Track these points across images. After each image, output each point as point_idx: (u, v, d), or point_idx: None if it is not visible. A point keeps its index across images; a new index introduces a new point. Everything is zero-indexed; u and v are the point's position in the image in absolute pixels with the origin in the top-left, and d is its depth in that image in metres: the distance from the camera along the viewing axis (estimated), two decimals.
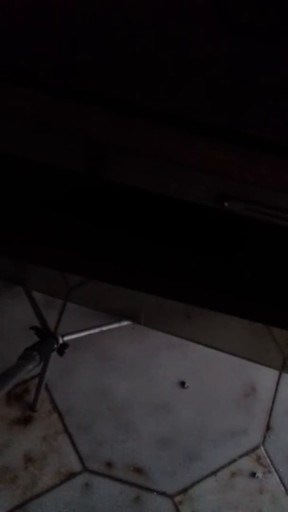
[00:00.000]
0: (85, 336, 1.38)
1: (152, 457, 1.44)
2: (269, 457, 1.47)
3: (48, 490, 1.39)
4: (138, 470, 1.43)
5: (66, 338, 1.26)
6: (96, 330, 1.42)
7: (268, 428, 1.49)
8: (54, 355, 1.26)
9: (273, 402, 1.51)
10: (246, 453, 1.47)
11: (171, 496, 1.42)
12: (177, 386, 1.49)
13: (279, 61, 0.51)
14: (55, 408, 1.44)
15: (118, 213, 0.74)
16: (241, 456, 1.47)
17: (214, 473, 1.45)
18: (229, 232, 0.73)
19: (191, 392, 1.49)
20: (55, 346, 1.22)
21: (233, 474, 1.45)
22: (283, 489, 1.46)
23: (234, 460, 1.46)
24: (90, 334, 1.40)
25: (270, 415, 1.50)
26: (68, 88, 0.52)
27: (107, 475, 1.42)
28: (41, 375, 1.39)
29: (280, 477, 1.47)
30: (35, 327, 1.25)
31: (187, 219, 0.73)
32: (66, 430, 1.43)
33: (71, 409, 1.44)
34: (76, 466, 1.41)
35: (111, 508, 1.39)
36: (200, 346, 1.49)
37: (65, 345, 1.23)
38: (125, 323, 1.48)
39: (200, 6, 0.51)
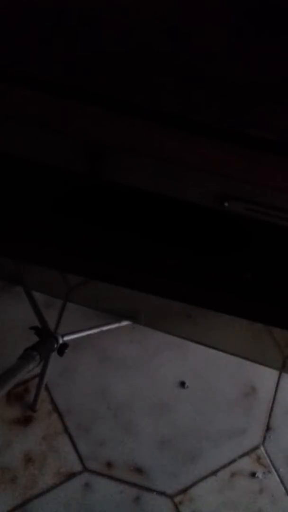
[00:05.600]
0: (85, 336, 1.38)
1: (152, 457, 1.44)
2: (269, 457, 1.47)
3: (48, 490, 1.39)
4: (138, 470, 1.43)
5: (66, 338, 1.26)
6: (96, 330, 1.41)
7: (268, 428, 1.49)
8: (54, 355, 1.26)
9: (273, 402, 1.51)
10: (246, 453, 1.47)
11: (171, 496, 1.42)
12: (177, 386, 1.49)
13: (280, 60, 0.51)
14: (55, 408, 1.44)
15: (118, 213, 0.74)
16: (241, 456, 1.47)
17: (214, 473, 1.45)
18: (229, 232, 0.73)
19: (191, 392, 1.49)
20: (55, 346, 1.22)
21: (233, 474, 1.45)
22: (283, 489, 1.46)
23: (234, 460, 1.46)
24: (90, 334, 1.40)
25: (270, 415, 1.50)
26: (68, 88, 0.52)
27: (107, 475, 1.42)
28: (41, 375, 1.39)
29: (280, 477, 1.47)
30: (35, 327, 1.25)
31: (187, 219, 0.73)
32: (66, 430, 1.43)
33: (71, 409, 1.44)
34: (76, 466, 1.41)
35: (111, 508, 1.39)
36: (200, 346, 1.49)
37: (65, 345, 1.23)
38: (125, 323, 1.48)
39: (200, 5, 0.51)
